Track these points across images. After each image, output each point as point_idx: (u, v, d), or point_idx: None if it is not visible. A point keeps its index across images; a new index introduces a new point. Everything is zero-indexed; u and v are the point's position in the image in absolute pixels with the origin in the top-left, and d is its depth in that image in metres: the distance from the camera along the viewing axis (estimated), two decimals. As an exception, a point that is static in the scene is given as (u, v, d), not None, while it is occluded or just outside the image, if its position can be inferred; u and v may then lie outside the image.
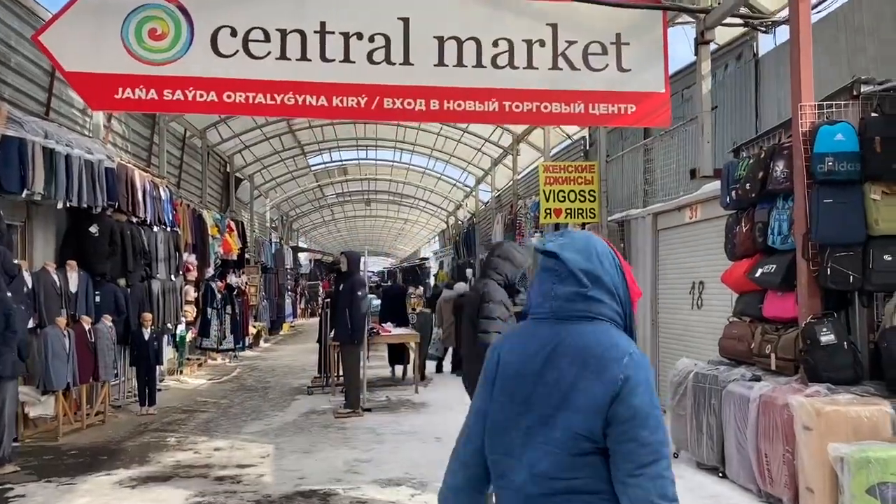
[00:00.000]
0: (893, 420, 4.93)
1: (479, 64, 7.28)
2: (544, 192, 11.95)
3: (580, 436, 1.76)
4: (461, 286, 14.02)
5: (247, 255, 19.00)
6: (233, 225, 16.98)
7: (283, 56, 7.08)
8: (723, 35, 8.79)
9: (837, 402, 5.05)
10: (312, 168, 26.47)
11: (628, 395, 1.75)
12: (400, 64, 7.18)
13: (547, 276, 1.91)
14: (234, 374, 14.65)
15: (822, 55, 5.92)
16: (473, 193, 25.58)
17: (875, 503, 4.64)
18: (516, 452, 1.83)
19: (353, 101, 7.17)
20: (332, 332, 10.77)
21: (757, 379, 6.04)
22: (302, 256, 34.89)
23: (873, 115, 5.53)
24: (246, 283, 18.36)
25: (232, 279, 16.79)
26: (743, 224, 6.74)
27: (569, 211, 11.87)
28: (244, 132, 18.61)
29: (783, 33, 7.79)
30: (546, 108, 7.35)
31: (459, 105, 7.22)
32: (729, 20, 7.64)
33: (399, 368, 13.14)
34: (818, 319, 5.52)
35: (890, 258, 5.40)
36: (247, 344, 18.03)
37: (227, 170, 20.31)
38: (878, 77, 5.64)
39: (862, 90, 5.60)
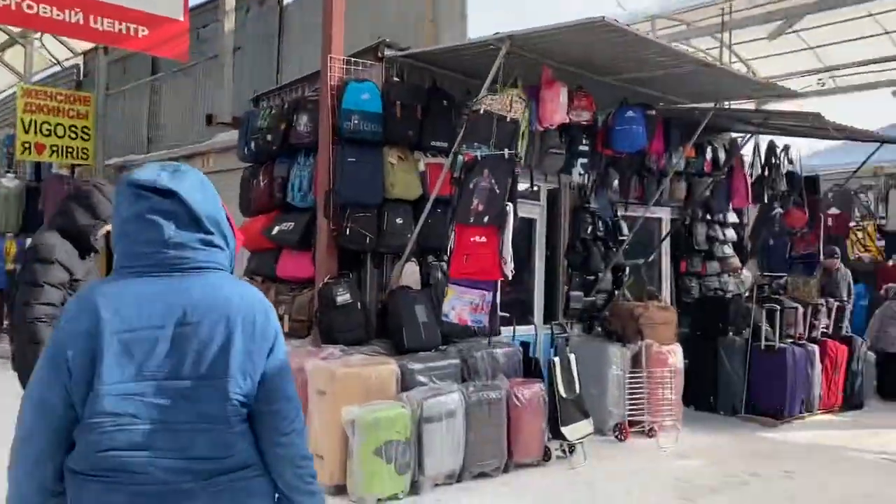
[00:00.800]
0: (398, 377, 5.10)
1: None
2: (23, 121, 9.87)
3: (238, 402, 1.60)
4: None
5: None
6: None
7: None
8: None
9: (350, 364, 5.01)
10: None
11: (277, 347, 1.67)
12: None
13: (159, 218, 1.58)
14: None
15: (347, 11, 5.80)
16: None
17: (380, 462, 4.70)
18: (142, 442, 1.55)
19: None
20: None
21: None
22: None
23: (395, 79, 5.63)
24: None
25: None
26: (261, 178, 6.36)
27: (55, 148, 10.04)
28: None
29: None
30: (30, 7, 5.73)
31: None
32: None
33: None
34: (335, 279, 5.46)
35: (401, 221, 5.63)
36: None
37: None
38: (400, 43, 5.77)
39: (386, 53, 5.65)
